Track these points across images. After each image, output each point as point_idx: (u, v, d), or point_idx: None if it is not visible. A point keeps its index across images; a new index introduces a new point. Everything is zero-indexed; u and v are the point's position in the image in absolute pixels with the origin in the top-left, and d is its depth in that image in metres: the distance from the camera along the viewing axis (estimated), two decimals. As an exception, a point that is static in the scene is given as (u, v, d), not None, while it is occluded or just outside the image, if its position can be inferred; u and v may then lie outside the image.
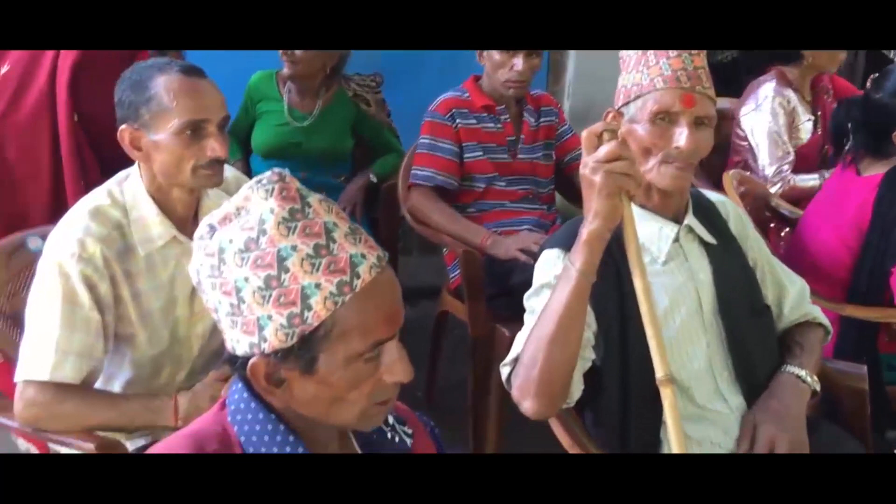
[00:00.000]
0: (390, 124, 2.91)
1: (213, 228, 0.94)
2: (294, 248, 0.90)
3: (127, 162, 1.61)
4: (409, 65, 3.37)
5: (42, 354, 1.45)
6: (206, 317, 1.63)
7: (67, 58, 2.18)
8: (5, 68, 2.25)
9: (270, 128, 2.70)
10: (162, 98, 1.48)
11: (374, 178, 2.74)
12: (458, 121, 2.40)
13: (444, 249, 2.49)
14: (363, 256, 0.92)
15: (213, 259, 0.92)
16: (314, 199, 0.94)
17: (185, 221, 1.60)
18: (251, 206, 0.92)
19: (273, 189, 0.92)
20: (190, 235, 1.60)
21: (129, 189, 1.57)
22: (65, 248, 1.48)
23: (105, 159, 2.30)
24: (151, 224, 1.56)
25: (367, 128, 2.81)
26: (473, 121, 2.42)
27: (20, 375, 1.47)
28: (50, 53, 2.21)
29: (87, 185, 2.32)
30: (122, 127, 1.52)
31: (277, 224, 0.90)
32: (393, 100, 2.97)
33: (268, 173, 0.94)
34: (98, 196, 1.56)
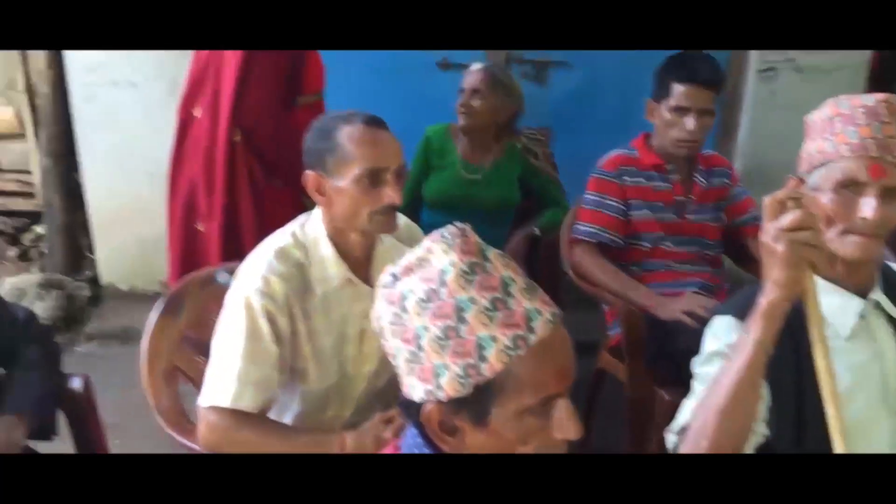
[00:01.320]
0: (557, 178, 2.94)
1: (395, 278, 0.99)
2: (472, 300, 0.93)
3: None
4: (578, 120, 3.41)
5: (225, 383, 1.55)
6: (373, 357, 1.69)
7: (228, 82, 2.39)
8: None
9: (443, 179, 2.79)
10: (345, 147, 1.57)
11: (537, 232, 2.76)
12: (625, 178, 2.39)
13: (605, 306, 2.47)
14: (538, 312, 0.94)
15: (395, 307, 0.97)
16: (493, 253, 0.97)
17: (360, 264, 1.68)
18: (433, 259, 0.96)
19: (454, 243, 0.96)
20: (363, 278, 1.69)
21: (310, 231, 1.67)
22: (251, 284, 1.59)
23: (268, 164, 2.50)
24: (329, 265, 1.65)
25: (534, 181, 2.85)
26: (642, 179, 2.40)
27: (203, 401, 1.58)
28: (210, 87, 2.44)
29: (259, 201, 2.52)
30: (308, 172, 1.62)
31: (457, 277, 0.94)
32: (560, 154, 3.01)
33: (450, 227, 0.98)
34: (283, 237, 1.67)
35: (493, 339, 0.92)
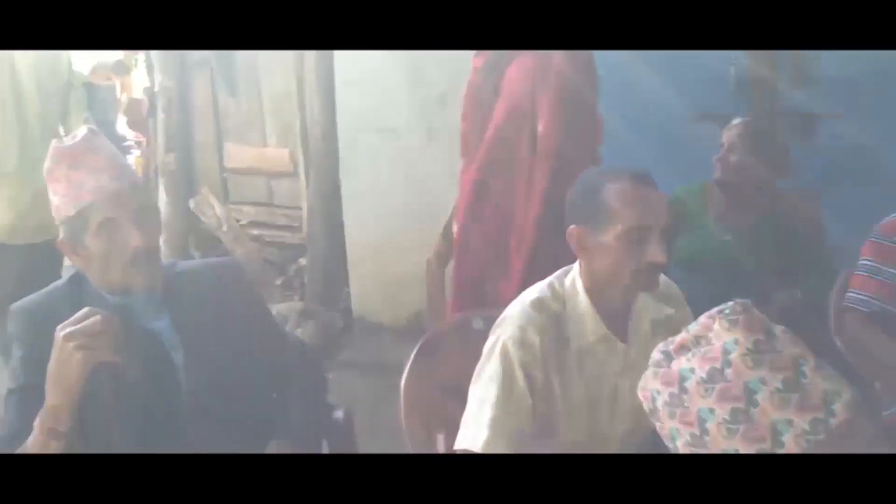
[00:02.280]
0: (822, 241, 2.74)
1: (669, 356, 0.95)
2: (762, 381, 0.87)
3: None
4: (850, 177, 3.16)
5: (478, 429, 1.58)
6: (627, 417, 1.65)
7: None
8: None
9: (695, 239, 2.68)
10: (610, 204, 1.56)
11: (798, 296, 2.57)
12: (908, 244, 2.17)
13: (877, 383, 2.24)
14: (837, 393, 0.87)
15: (672, 388, 0.93)
16: (779, 329, 0.91)
17: (617, 320, 1.65)
18: (712, 336, 0.92)
19: (738, 320, 0.91)
20: (619, 334, 1.66)
21: (569, 284, 1.67)
22: (509, 333, 1.61)
23: None
24: (586, 320, 1.63)
25: (794, 244, 2.67)
26: (927, 246, 2.16)
27: (459, 444, 1.61)
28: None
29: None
30: (572, 227, 1.63)
31: (743, 356, 0.88)
32: (830, 214, 2.80)
33: (731, 304, 0.93)
34: (541, 288, 1.68)
35: (790, 422, 0.86)
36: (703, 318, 0.93)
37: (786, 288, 2.61)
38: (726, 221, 2.66)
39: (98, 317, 1.42)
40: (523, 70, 2.33)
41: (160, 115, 4.14)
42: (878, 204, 2.35)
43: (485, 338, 1.69)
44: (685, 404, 0.90)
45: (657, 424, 0.96)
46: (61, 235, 1.61)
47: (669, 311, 1.71)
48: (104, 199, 1.55)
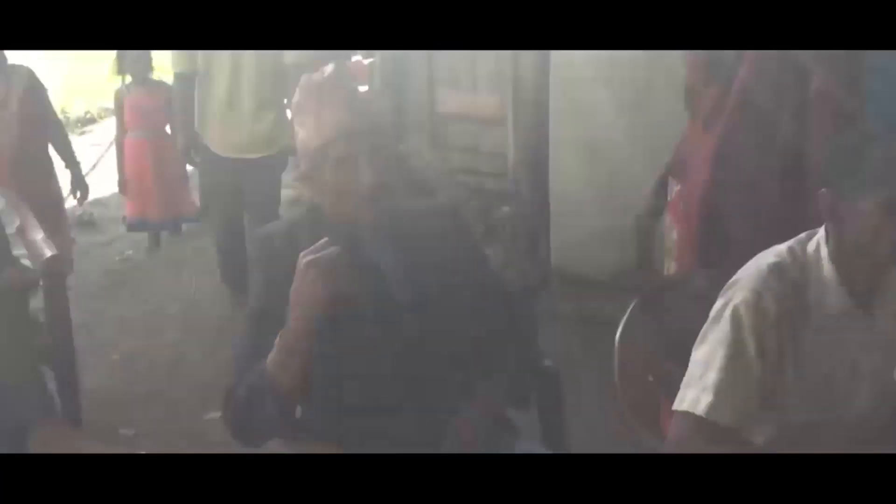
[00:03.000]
0: None
1: None
2: None
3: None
4: None
5: (702, 391, 1.51)
6: (865, 399, 1.53)
7: None
8: None
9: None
10: (876, 169, 1.42)
11: None
12: None
13: None
14: None
15: None
16: None
17: (863, 293, 1.52)
18: None
19: None
20: (865, 308, 1.53)
21: (812, 250, 1.55)
22: (742, 297, 1.52)
23: None
24: (829, 290, 1.51)
25: None
26: None
27: (678, 405, 1.56)
28: None
29: None
30: (823, 190, 1.50)
31: None
32: None
33: None
34: (780, 252, 1.57)
35: None
36: None
37: None
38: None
39: (338, 248, 1.49)
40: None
41: (377, 60, 4.27)
42: None
43: (705, 297, 1.62)
44: None
45: None
46: (302, 166, 1.69)
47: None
48: (346, 136, 1.61)
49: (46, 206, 3.54)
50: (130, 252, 4.91)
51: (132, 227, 4.93)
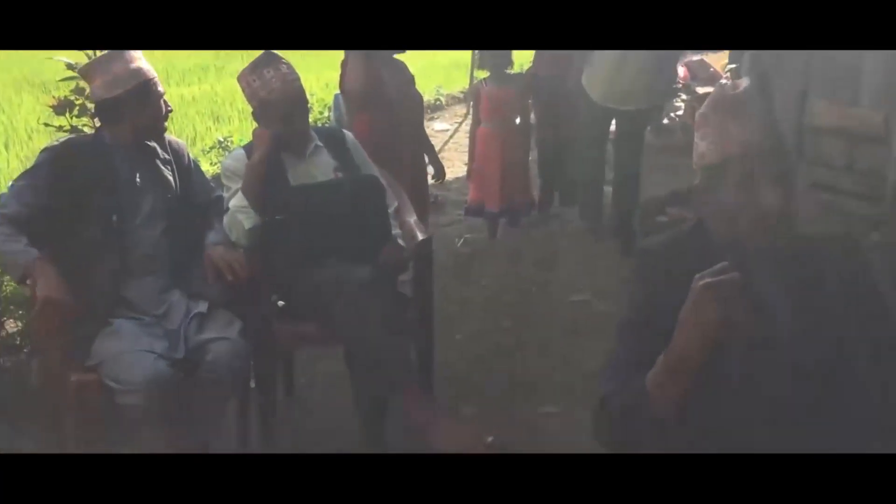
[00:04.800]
0: None
1: None
2: None
3: None
4: None
5: None
6: None
7: None
8: None
9: None
10: None
11: None
12: None
13: None
14: None
15: None
16: None
17: None
18: None
19: None
20: None
21: None
22: None
23: None
24: None
25: None
26: None
27: None
28: None
29: None
30: None
31: None
32: None
33: None
34: None
35: None
36: None
37: None
38: None
39: (737, 274, 1.42)
40: None
41: (745, 64, 4.04)
42: None
43: None
44: None
45: None
46: (698, 180, 1.64)
47: None
48: (752, 154, 1.54)
49: (416, 187, 3.85)
50: (468, 236, 5.17)
51: (470, 212, 5.20)
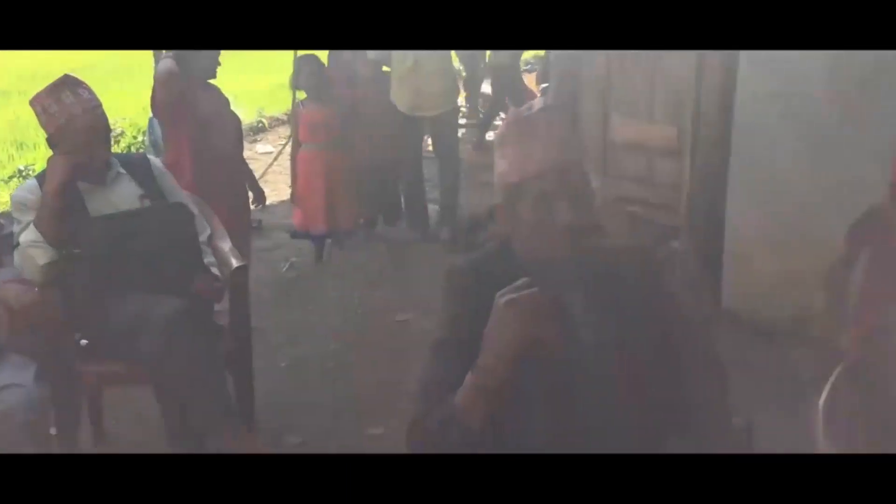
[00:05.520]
0: None
1: None
2: None
3: None
4: None
5: None
6: None
7: None
8: None
9: None
10: None
11: None
12: None
13: None
14: None
15: None
16: None
17: None
18: None
19: None
20: None
21: None
22: None
23: None
24: None
25: None
26: None
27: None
28: None
29: None
30: None
31: None
32: None
33: None
34: None
35: None
36: None
37: None
38: None
39: (537, 290, 1.45)
40: None
41: (552, 86, 4.23)
42: None
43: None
44: None
45: None
46: (498, 199, 1.67)
47: None
48: (547, 173, 1.58)
49: (235, 213, 3.73)
50: (295, 259, 5.08)
51: (296, 235, 5.12)
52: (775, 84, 3.33)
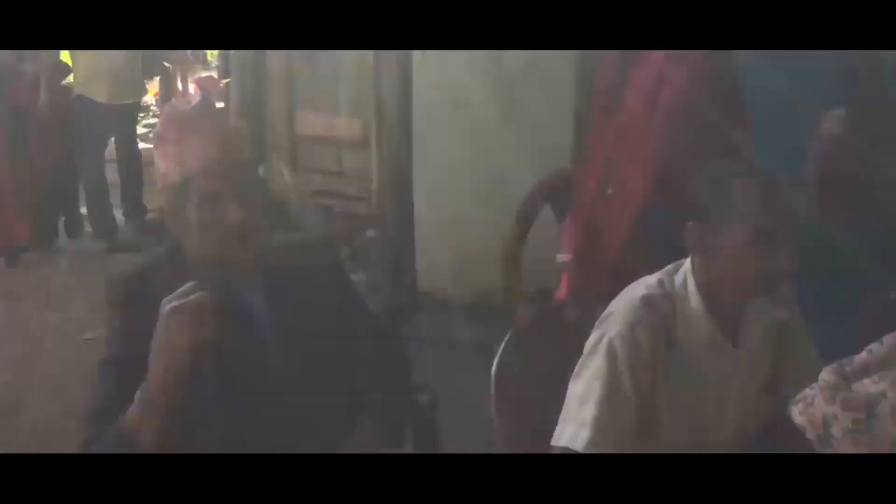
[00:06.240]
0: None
1: (846, 378, 0.88)
2: None
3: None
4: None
5: (580, 427, 1.52)
6: (730, 425, 1.59)
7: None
8: None
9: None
10: (740, 202, 1.48)
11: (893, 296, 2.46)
12: None
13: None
14: None
15: (858, 413, 0.86)
16: None
17: (728, 323, 1.58)
18: None
19: None
20: (730, 338, 1.58)
21: (679, 282, 1.59)
22: (616, 330, 1.54)
23: None
24: (698, 322, 1.56)
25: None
26: None
27: (557, 440, 1.56)
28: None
29: None
30: (691, 224, 1.55)
31: None
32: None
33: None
34: (651, 284, 1.61)
35: None
36: (889, 339, 0.86)
37: (883, 290, 2.50)
38: (824, 218, 2.54)
39: (205, 293, 1.39)
40: (655, 61, 2.12)
41: (234, 81, 4.13)
42: None
43: (579, 329, 1.64)
44: (874, 431, 0.83)
45: (826, 450, 0.89)
46: (164, 201, 1.58)
47: (783, 313, 1.63)
48: (211, 170, 1.52)
49: None
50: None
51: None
52: (444, 76, 3.53)
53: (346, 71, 4.01)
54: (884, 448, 0.81)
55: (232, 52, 4.11)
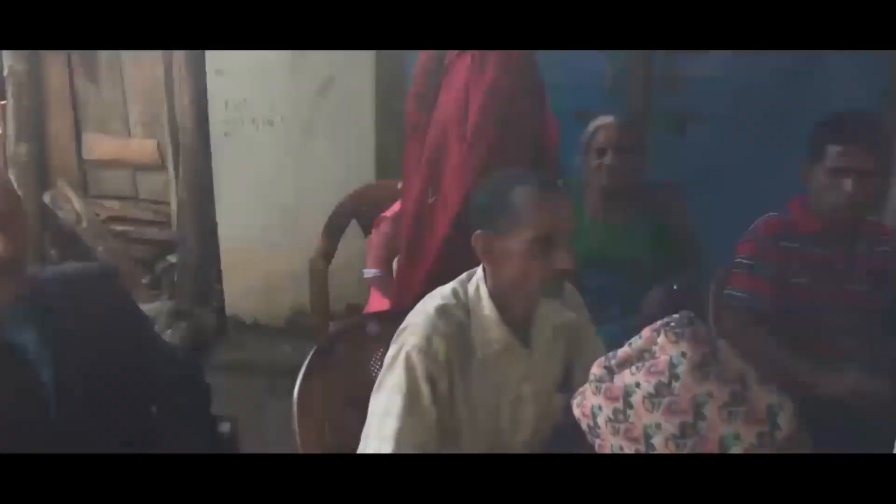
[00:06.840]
0: (693, 236, 2.83)
1: (611, 371, 0.93)
2: (710, 394, 0.86)
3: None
4: (713, 176, 3.29)
5: (382, 442, 1.52)
6: (528, 425, 1.64)
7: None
8: None
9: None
10: (519, 209, 1.53)
11: (675, 288, 2.65)
12: (783, 244, 2.27)
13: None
14: (780, 406, 0.87)
15: (616, 403, 0.91)
16: (722, 342, 0.91)
17: (520, 326, 1.64)
18: (657, 349, 0.91)
19: (683, 333, 0.90)
20: (522, 341, 1.64)
21: (472, 290, 1.63)
22: (413, 342, 1.56)
23: None
24: (491, 327, 1.60)
25: (669, 238, 2.74)
26: (798, 245, 2.28)
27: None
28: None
29: None
30: (477, 233, 1.59)
31: (691, 369, 0.87)
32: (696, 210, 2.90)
33: (676, 316, 0.92)
34: (445, 294, 1.64)
35: (737, 437, 0.85)
36: (646, 332, 0.92)
37: (662, 284, 2.68)
38: (602, 219, 2.69)
39: None
40: (462, 67, 2.15)
41: (10, 102, 3.81)
42: (746, 204, 2.44)
43: (379, 342, 1.64)
44: (630, 419, 0.89)
45: (596, 442, 0.94)
46: None
47: (570, 314, 1.72)
48: None
49: None
50: None
51: None
52: (245, 91, 3.44)
53: (135, 90, 3.81)
54: (637, 434, 0.86)
55: (6, 71, 3.78)
